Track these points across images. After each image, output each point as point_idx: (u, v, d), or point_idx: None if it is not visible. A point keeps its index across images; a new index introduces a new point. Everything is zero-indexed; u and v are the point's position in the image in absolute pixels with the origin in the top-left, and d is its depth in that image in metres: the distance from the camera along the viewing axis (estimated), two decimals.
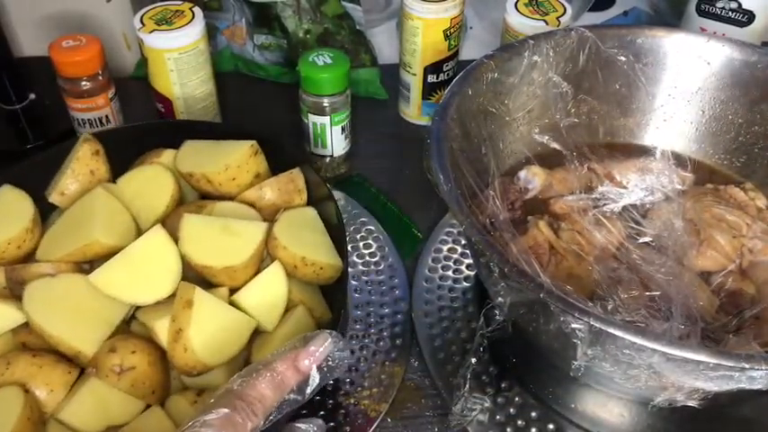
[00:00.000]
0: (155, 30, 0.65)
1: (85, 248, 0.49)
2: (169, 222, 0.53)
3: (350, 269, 0.63)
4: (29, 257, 0.52)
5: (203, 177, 0.54)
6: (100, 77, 0.67)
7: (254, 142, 0.55)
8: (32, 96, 0.78)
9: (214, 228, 0.50)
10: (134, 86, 0.81)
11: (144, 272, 0.48)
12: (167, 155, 0.57)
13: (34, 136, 0.76)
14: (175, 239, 0.50)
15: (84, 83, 0.66)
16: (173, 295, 0.48)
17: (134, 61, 0.86)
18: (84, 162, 0.55)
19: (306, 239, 0.52)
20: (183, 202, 0.56)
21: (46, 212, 0.55)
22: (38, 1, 0.81)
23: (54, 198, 0.54)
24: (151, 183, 0.55)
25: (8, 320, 0.47)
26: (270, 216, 0.55)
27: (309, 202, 0.57)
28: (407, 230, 0.68)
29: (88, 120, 0.69)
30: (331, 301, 0.53)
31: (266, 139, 0.57)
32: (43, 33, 0.81)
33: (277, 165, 0.57)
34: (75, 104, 0.68)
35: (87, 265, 0.52)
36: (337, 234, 0.53)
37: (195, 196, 0.58)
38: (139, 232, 0.52)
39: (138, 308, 0.49)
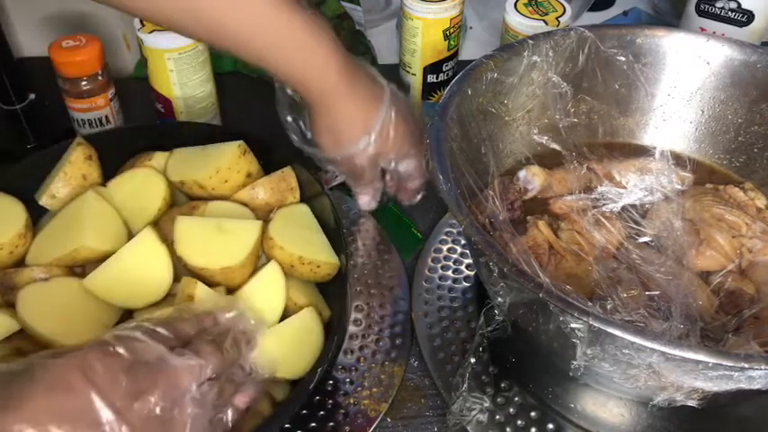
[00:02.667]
0: (155, 30, 0.65)
1: (75, 253, 0.49)
2: (161, 225, 0.53)
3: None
4: (20, 263, 0.52)
5: (195, 183, 0.54)
6: (100, 77, 0.67)
7: (241, 142, 0.55)
8: (32, 96, 0.78)
9: (208, 229, 0.50)
10: (134, 86, 0.81)
11: (136, 276, 0.48)
12: (158, 157, 0.57)
13: (34, 136, 0.75)
14: (169, 242, 0.50)
15: (84, 83, 0.66)
16: (166, 296, 0.48)
17: (134, 61, 0.86)
18: (77, 166, 0.55)
19: (301, 238, 0.53)
20: (174, 204, 0.56)
21: (38, 213, 0.55)
22: (38, 1, 0.81)
23: (44, 201, 0.54)
24: (142, 186, 0.55)
25: (2, 328, 0.47)
26: (264, 215, 0.55)
27: (302, 200, 0.57)
28: (407, 230, 0.68)
29: (88, 120, 0.69)
30: (330, 299, 0.54)
31: (256, 139, 0.57)
32: (43, 33, 0.81)
33: (269, 164, 0.57)
34: (75, 104, 0.68)
35: (80, 268, 0.52)
36: (334, 230, 0.53)
37: (187, 197, 0.58)
38: (131, 236, 0.52)
39: None
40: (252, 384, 0.43)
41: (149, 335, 0.38)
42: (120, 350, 0.35)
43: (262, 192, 0.55)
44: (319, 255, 0.52)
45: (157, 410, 0.35)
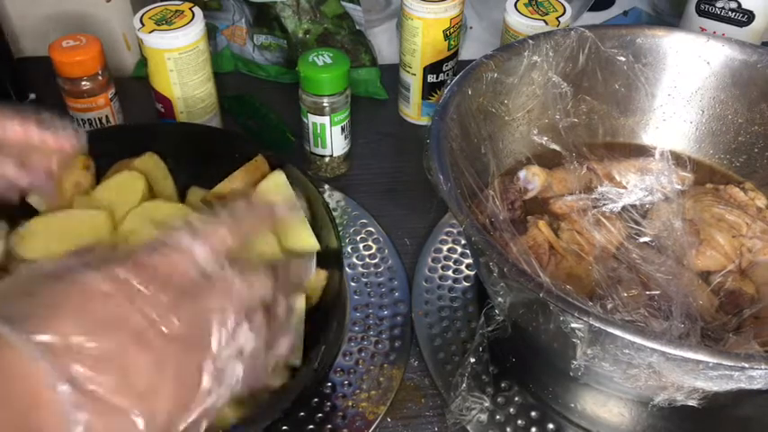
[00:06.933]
0: (155, 30, 0.65)
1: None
2: None
3: (349, 271, 0.63)
4: None
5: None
6: (100, 77, 0.67)
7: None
8: (32, 96, 0.78)
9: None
10: (134, 86, 0.81)
11: None
12: (142, 160, 0.57)
13: None
14: None
15: (84, 83, 0.66)
16: None
17: (134, 61, 0.86)
18: (74, 173, 0.55)
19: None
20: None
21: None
22: (38, 1, 0.81)
23: (32, 200, 0.54)
24: (123, 186, 0.55)
25: None
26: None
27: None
28: (282, 135, 0.75)
29: (88, 120, 0.69)
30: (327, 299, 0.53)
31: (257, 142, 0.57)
32: (43, 33, 0.81)
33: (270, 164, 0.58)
34: (75, 104, 0.68)
35: None
36: (323, 216, 0.54)
37: (170, 193, 0.58)
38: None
39: None
40: (289, 332, 0.36)
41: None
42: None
43: (238, 183, 0.56)
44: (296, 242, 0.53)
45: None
